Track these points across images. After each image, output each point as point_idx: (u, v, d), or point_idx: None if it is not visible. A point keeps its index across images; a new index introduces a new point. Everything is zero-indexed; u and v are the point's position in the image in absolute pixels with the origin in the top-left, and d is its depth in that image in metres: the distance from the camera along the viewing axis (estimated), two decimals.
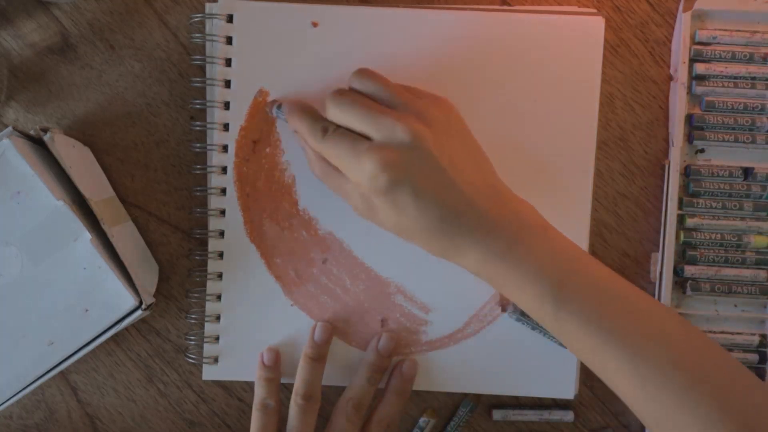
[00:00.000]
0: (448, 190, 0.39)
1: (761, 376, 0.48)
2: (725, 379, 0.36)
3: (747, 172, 0.48)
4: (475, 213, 0.39)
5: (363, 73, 0.42)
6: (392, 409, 0.47)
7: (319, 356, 0.47)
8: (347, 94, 0.41)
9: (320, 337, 0.47)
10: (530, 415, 0.49)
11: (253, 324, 0.48)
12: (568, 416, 0.49)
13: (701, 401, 0.35)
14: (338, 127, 0.41)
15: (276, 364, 0.48)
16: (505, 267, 0.39)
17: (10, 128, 0.43)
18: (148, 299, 0.44)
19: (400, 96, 0.40)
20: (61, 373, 0.49)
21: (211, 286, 0.48)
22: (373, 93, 0.41)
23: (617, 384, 0.38)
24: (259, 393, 0.47)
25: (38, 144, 0.45)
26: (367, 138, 0.39)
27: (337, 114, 0.41)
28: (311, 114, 0.42)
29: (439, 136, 0.39)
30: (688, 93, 0.48)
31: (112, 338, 0.45)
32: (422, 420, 0.50)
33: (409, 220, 0.39)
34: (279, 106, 0.45)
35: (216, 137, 0.47)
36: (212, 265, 0.48)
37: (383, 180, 0.38)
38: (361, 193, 0.40)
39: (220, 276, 0.48)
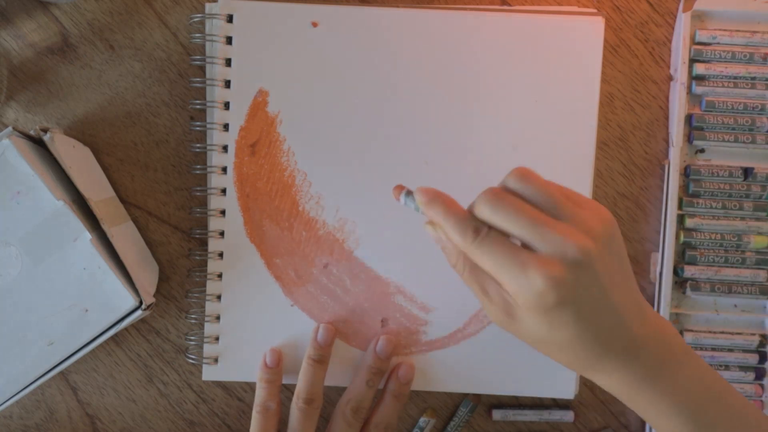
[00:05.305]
0: (606, 311, 0.37)
1: (761, 376, 0.48)
2: None
3: (747, 172, 0.48)
4: (625, 334, 0.38)
5: (523, 174, 0.38)
6: (390, 412, 0.47)
7: (322, 358, 0.47)
8: (507, 198, 0.37)
9: (323, 338, 0.47)
10: (530, 415, 0.49)
11: (253, 324, 0.48)
12: (568, 416, 0.49)
13: None
14: (490, 228, 0.37)
15: (278, 366, 0.47)
16: (648, 393, 0.38)
17: (10, 128, 0.43)
18: (148, 299, 0.44)
19: (564, 207, 0.37)
20: (61, 373, 0.49)
21: (211, 286, 0.48)
22: (534, 199, 0.37)
23: None
24: (260, 395, 0.47)
25: (38, 144, 0.45)
26: (526, 248, 0.36)
27: (492, 217, 0.37)
28: (457, 209, 0.38)
29: (603, 254, 0.37)
30: (688, 93, 0.48)
31: (112, 338, 0.45)
32: (422, 420, 0.50)
33: (560, 339, 0.37)
34: (408, 193, 0.40)
35: (216, 137, 0.47)
36: (212, 265, 0.48)
37: (551, 298, 0.35)
38: (509, 302, 0.37)
39: (220, 276, 0.48)
